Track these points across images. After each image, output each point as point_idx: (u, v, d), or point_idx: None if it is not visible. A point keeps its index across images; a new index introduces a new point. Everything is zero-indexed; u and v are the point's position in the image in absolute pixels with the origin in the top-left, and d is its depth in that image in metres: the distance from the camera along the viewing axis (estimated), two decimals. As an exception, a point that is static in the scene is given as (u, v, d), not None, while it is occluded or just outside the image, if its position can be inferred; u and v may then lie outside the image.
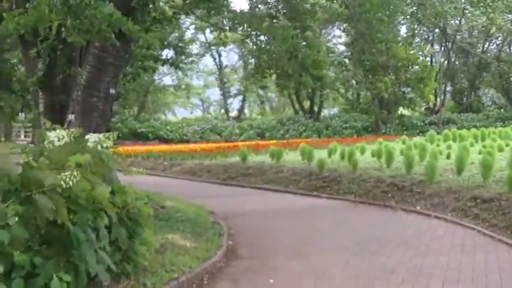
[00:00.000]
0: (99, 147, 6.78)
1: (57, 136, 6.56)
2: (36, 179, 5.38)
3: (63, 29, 10.65)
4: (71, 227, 5.62)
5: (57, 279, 5.53)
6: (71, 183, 5.65)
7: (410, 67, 48.38)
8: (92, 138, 6.89)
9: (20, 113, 20.38)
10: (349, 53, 49.90)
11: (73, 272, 5.76)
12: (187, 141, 53.30)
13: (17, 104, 22.91)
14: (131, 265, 7.03)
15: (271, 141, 39.04)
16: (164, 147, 39.07)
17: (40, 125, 14.57)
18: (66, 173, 5.68)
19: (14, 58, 21.62)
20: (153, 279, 7.41)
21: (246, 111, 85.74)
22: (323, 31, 60.55)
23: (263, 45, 20.72)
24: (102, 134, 6.98)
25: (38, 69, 14.56)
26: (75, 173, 5.69)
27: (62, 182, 5.62)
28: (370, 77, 46.42)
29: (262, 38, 20.34)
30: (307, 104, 65.05)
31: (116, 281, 6.70)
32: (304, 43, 19.84)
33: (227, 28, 19.93)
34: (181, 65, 21.15)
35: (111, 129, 10.15)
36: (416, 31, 60.74)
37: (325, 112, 70.13)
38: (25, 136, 58.73)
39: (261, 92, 76.96)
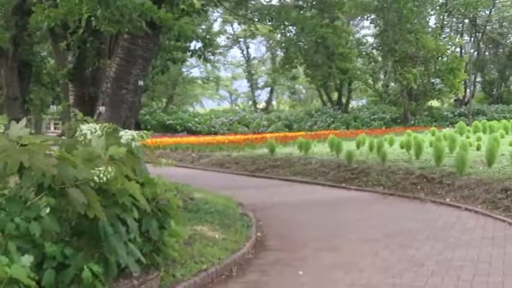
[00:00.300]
0: (132, 143, 6.80)
1: (89, 129, 6.61)
2: (69, 172, 5.41)
3: (93, 18, 10.73)
4: (104, 220, 5.65)
5: (88, 270, 5.59)
6: (104, 178, 5.69)
7: (439, 58, 48.18)
8: (125, 135, 6.91)
9: (51, 106, 20.54)
10: (378, 44, 49.74)
11: (103, 263, 5.82)
12: (215, 133, 53.37)
13: (46, 96, 23.13)
14: (161, 256, 7.07)
15: (299, 133, 39.00)
16: (192, 139, 39.18)
17: (70, 117, 14.72)
18: (101, 168, 5.72)
19: (44, 51, 21.82)
20: (182, 270, 7.47)
21: (274, 102, 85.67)
22: (351, 22, 60.23)
23: (292, 36, 20.71)
24: (136, 132, 6.99)
25: (68, 62, 14.71)
26: (110, 169, 5.72)
27: (96, 177, 5.66)
28: (399, 68, 46.34)
29: (291, 28, 20.33)
30: (335, 95, 64.81)
31: (146, 272, 6.74)
32: (333, 34, 19.78)
33: (256, 20, 19.94)
34: (209, 56, 21.12)
35: (139, 122, 10.21)
36: (445, 22, 60.18)
37: (353, 104, 69.79)
38: (55, 128, 59.25)
39: (289, 83, 76.80)
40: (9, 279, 4.69)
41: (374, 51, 52.74)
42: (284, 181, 20.02)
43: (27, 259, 5.10)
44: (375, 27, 50.03)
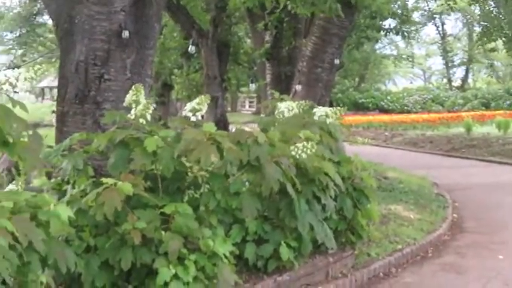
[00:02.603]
0: (326, 120, 6.88)
1: (286, 107, 6.76)
2: (265, 149, 5.55)
3: (288, 2, 10.92)
4: (293, 197, 5.74)
5: (285, 245, 5.75)
6: (303, 155, 5.79)
7: None
8: (318, 111, 7.00)
9: (250, 84, 21.18)
10: None
11: (298, 239, 5.95)
12: (408, 112, 52.38)
13: (242, 75, 23.93)
14: (355, 235, 7.11)
15: (498, 112, 37.46)
16: (385, 117, 38.86)
17: (266, 95, 15.17)
18: (299, 145, 5.82)
19: (242, 31, 22.54)
20: (377, 249, 7.46)
21: (470, 80, 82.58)
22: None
23: (492, 9, 19.88)
24: (330, 109, 7.06)
25: (265, 42, 15.12)
26: (309, 145, 5.81)
27: (294, 153, 5.78)
28: None
29: (490, 2, 19.50)
30: (538, 72, 61.34)
31: (341, 249, 6.82)
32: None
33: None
34: (406, 34, 20.70)
35: (332, 100, 10.29)
36: None
37: (558, 80, 65.58)
38: (249, 106, 60.91)
39: (487, 60, 73.57)
40: (212, 252, 4.93)
41: None
42: (481, 161, 19.29)
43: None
44: None
